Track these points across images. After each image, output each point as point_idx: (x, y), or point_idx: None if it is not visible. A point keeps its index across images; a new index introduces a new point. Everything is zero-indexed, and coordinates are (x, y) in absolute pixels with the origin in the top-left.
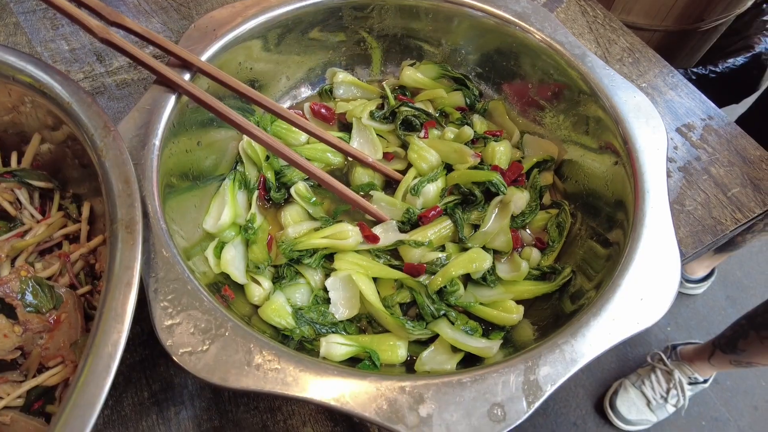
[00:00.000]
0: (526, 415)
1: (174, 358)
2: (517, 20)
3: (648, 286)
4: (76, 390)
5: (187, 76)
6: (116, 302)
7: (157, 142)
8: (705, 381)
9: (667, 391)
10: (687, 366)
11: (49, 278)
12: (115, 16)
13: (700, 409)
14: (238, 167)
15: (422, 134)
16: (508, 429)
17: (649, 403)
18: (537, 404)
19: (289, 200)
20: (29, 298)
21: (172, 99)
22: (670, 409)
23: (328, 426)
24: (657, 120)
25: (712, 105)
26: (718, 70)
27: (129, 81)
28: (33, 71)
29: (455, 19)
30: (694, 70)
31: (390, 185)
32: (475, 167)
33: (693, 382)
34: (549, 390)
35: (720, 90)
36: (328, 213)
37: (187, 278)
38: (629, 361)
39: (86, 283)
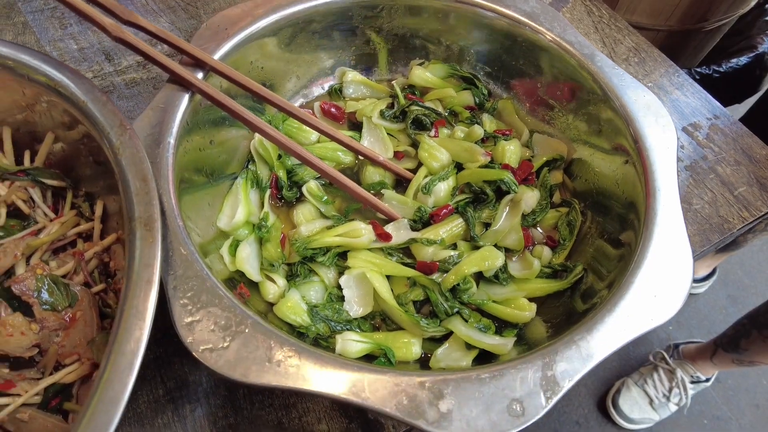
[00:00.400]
0: (545, 410)
1: (195, 354)
2: (526, 20)
3: (661, 283)
4: (101, 387)
5: (200, 75)
6: (137, 300)
7: (172, 141)
8: (707, 380)
9: (670, 390)
10: (689, 365)
11: (63, 276)
12: (128, 14)
13: (701, 408)
14: (249, 166)
15: (433, 133)
16: (527, 424)
17: (651, 401)
18: (555, 399)
19: (300, 199)
20: (45, 296)
21: (186, 98)
22: (673, 408)
23: (343, 422)
24: (666, 119)
25: (718, 104)
26: (721, 70)
27: (138, 80)
28: (48, 70)
29: (464, 18)
30: (698, 69)
31: (400, 184)
32: (485, 166)
33: (695, 381)
34: (567, 385)
35: (723, 90)
36: (339, 211)
37: (205, 276)
38: (631, 360)
39: (100, 281)
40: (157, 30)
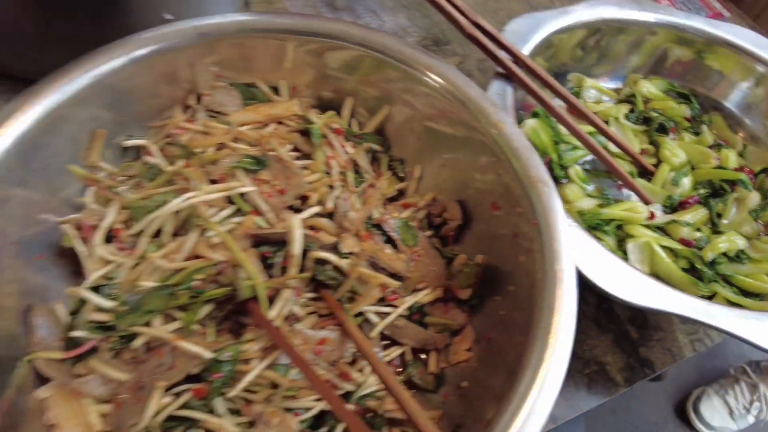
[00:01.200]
0: None
1: (592, 280)
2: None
3: None
4: (548, 310)
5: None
6: (557, 232)
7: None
8: None
9: (751, 403)
10: None
11: None
12: (473, 15)
13: None
14: None
15: (672, 136)
16: None
17: (731, 412)
18: None
19: (564, 182)
20: (401, 234)
21: (511, 89)
22: (751, 420)
23: (623, 357)
24: None
25: None
26: None
27: None
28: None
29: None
30: None
31: (642, 176)
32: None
33: None
34: None
35: None
36: (598, 192)
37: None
38: (707, 371)
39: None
40: (493, 31)
